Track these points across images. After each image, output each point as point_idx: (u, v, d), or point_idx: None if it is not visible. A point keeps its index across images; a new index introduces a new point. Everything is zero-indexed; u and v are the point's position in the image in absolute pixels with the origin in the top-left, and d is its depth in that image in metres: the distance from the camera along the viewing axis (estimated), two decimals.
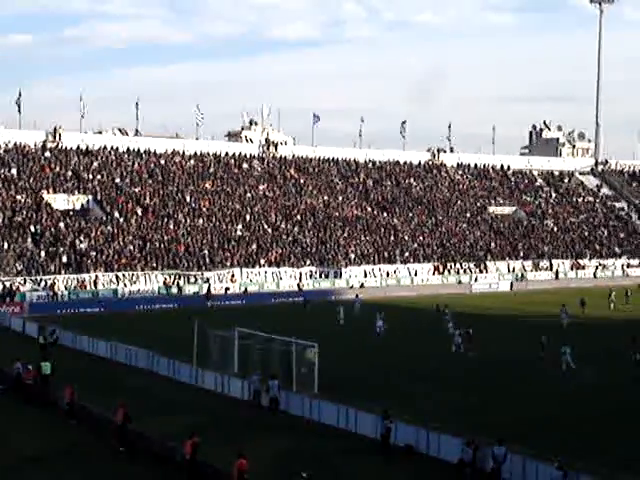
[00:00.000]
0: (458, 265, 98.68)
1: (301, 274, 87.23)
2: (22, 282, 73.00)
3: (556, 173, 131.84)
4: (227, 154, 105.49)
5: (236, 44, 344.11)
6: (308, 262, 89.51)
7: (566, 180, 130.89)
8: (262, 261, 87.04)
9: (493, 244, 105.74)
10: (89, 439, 32.87)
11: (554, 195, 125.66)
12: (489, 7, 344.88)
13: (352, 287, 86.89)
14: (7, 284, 71.70)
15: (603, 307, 74.48)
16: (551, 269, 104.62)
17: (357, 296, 74.50)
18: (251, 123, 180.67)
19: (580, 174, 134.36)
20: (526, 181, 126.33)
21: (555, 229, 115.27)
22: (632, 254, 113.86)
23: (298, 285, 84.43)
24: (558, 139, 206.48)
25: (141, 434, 31.57)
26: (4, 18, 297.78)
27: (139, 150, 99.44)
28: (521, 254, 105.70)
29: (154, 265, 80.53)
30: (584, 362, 47.38)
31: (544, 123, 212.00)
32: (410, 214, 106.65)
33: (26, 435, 33.11)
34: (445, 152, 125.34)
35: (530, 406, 39.36)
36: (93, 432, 33.54)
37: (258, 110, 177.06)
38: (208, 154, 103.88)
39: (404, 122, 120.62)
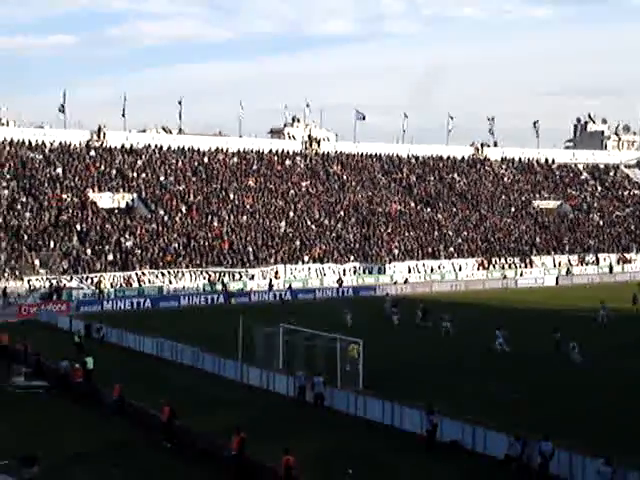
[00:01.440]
0: (503, 260, 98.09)
1: (344, 270, 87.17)
2: (68, 280, 73.69)
3: (601, 166, 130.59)
4: (270, 151, 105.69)
5: (276, 41, 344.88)
6: (352, 258, 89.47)
7: (612, 173, 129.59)
8: (305, 257, 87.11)
9: (538, 239, 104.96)
10: (136, 436, 33.05)
11: (599, 188, 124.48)
12: (529, 0, 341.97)
13: (396, 283, 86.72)
14: (54, 282, 72.40)
15: None
16: (597, 263, 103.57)
17: (387, 294, 74.23)
18: (293, 120, 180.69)
19: (626, 167, 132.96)
20: (571, 175, 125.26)
21: (601, 223, 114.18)
22: None
23: (338, 281, 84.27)
24: (603, 132, 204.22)
25: (187, 431, 31.72)
26: (46, 19, 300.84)
27: (183, 148, 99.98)
28: (567, 248, 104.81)
29: (198, 262, 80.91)
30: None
31: (589, 116, 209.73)
32: (454, 209, 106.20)
33: (73, 432, 33.36)
34: (489, 146, 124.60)
35: (576, 401, 39.00)
36: (139, 429, 33.73)
37: (300, 107, 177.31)
38: (251, 151, 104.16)
39: (452, 117, 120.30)
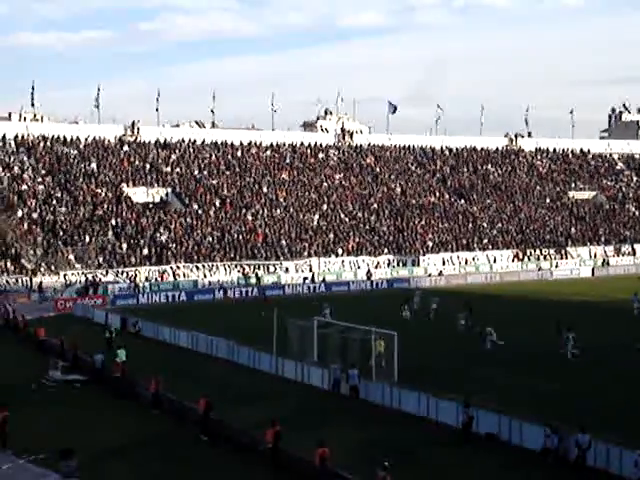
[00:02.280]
0: (538, 252, 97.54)
1: (377, 263, 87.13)
2: (104, 275, 74.19)
3: (637, 156, 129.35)
4: (303, 144, 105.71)
5: (308, 34, 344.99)
6: (385, 250, 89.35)
7: None
8: (339, 250, 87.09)
9: (573, 230, 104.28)
10: (172, 429, 33.21)
11: (635, 179, 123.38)
12: None
13: (430, 275, 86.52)
14: (89, 277, 72.93)
15: None
16: (634, 254, 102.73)
17: (417, 288, 74.08)
18: (326, 113, 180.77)
19: None
20: (606, 165, 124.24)
21: (637, 213, 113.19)
22: None
23: (367, 274, 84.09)
24: (638, 122, 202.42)
25: (223, 423, 31.82)
26: (78, 15, 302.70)
27: (216, 142, 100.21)
28: (602, 239, 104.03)
29: (232, 256, 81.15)
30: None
31: (623, 106, 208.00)
32: (488, 201, 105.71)
33: (110, 425, 33.56)
34: (523, 137, 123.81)
35: (611, 393, 38.73)
36: (176, 422, 33.89)
37: (333, 100, 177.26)
38: (284, 144, 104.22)
39: (482, 108, 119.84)
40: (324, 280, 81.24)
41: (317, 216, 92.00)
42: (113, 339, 48.43)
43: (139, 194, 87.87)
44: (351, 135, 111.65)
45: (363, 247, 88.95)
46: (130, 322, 55.81)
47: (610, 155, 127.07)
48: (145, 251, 78.64)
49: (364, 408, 36.41)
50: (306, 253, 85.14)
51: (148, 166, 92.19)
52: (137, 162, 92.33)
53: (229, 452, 30.18)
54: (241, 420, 32.45)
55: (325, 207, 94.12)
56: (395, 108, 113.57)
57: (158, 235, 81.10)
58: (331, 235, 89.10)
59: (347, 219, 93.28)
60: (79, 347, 44.49)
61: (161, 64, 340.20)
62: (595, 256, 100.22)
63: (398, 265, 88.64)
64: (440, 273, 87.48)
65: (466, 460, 29.70)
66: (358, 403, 37.15)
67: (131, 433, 32.57)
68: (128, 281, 74.15)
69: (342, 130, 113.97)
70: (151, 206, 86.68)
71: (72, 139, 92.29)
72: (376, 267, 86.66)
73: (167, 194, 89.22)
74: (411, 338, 45.07)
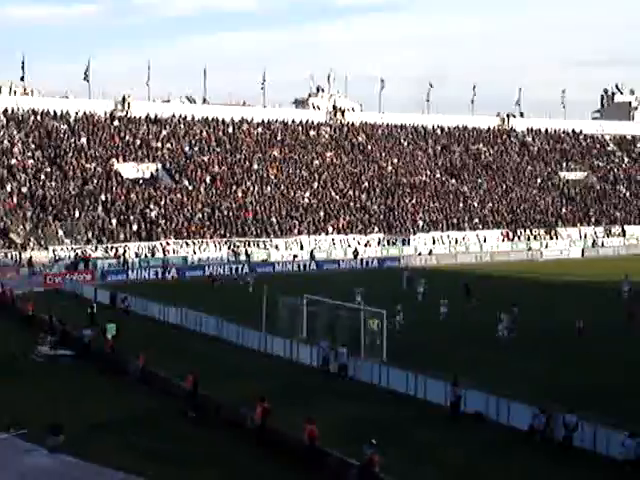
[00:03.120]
0: (528, 232, 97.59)
1: (367, 241, 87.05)
2: (93, 250, 73.97)
3: (629, 137, 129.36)
4: (294, 121, 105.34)
5: (299, 11, 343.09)
6: (376, 229, 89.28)
7: (639, 144, 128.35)
8: (330, 228, 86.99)
9: (564, 210, 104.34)
10: (160, 405, 33.16)
11: (626, 160, 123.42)
12: None
13: (420, 254, 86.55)
14: (78, 252, 72.71)
15: None
16: (624, 235, 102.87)
17: (406, 268, 73.96)
18: (318, 90, 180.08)
19: None
20: (598, 146, 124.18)
21: (627, 194, 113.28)
22: None
23: (354, 252, 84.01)
24: (630, 103, 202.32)
25: (211, 400, 31.79)
26: None
27: (207, 118, 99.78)
28: (593, 220, 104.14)
29: (222, 233, 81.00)
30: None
31: (616, 87, 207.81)
32: (479, 180, 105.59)
33: (98, 401, 33.49)
34: (515, 117, 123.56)
35: (599, 373, 38.83)
36: (164, 398, 33.84)
37: (324, 77, 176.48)
38: (275, 121, 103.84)
39: (474, 87, 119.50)
40: (313, 257, 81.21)
41: (308, 194, 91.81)
42: (95, 314, 48.20)
43: (129, 169, 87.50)
44: (342, 113, 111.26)
45: (353, 225, 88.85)
46: (119, 298, 55.63)
47: (602, 136, 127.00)
48: (135, 227, 78.42)
49: (353, 386, 36.44)
50: (296, 231, 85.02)
51: (138, 141, 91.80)
52: (127, 137, 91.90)
53: (217, 428, 30.15)
54: (229, 397, 32.40)
55: (316, 185, 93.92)
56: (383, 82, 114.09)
57: (148, 211, 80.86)
58: (321, 213, 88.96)
59: (338, 197, 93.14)
60: (67, 322, 44.38)
61: (153, 39, 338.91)
62: (585, 237, 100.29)
63: (388, 244, 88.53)
64: (430, 252, 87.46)
65: (454, 438, 29.76)
66: (347, 381, 37.16)
67: (119, 409, 32.50)
68: (117, 257, 73.81)
69: (334, 107, 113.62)
70: (141, 182, 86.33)
71: (62, 113, 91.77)
72: (366, 246, 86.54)
73: (157, 170, 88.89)
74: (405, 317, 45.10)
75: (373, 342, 39.80)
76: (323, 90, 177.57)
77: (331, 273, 76.15)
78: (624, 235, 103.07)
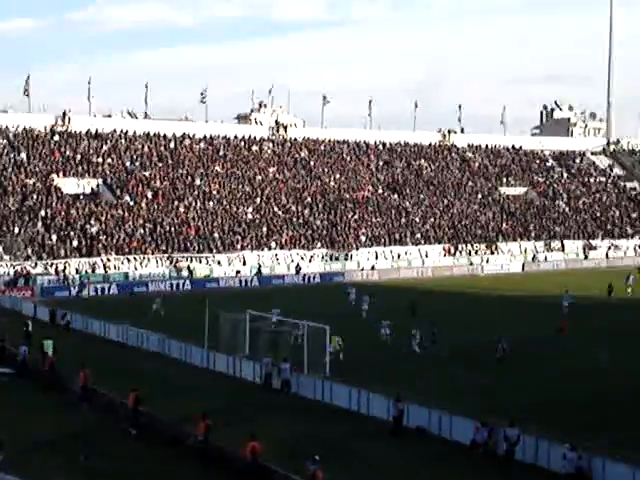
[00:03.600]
0: (469, 247, 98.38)
1: (311, 257, 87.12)
2: (32, 266, 73.07)
3: (568, 153, 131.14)
4: (237, 137, 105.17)
5: (242, 26, 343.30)
6: (319, 244, 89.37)
7: (578, 160, 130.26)
8: (273, 244, 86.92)
9: (504, 225, 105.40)
10: (101, 423, 32.86)
11: (566, 175, 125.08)
12: None
13: (363, 269, 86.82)
14: (18, 268, 71.77)
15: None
16: (563, 250, 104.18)
17: (352, 285, 73.63)
18: (260, 105, 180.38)
19: (592, 154, 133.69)
20: (538, 161, 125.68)
21: (567, 210, 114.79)
22: None
23: (297, 268, 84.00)
24: (569, 119, 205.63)
25: (154, 417, 31.57)
26: (9, 3, 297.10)
27: (149, 133, 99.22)
28: (533, 235, 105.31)
29: (164, 248, 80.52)
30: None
31: (555, 103, 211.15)
32: (421, 195, 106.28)
33: (39, 419, 33.10)
34: (456, 133, 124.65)
35: (540, 387, 39.25)
36: (105, 416, 33.53)
37: (266, 92, 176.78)
38: (218, 137, 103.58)
39: (416, 104, 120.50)
40: (259, 272, 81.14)
41: (250, 209, 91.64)
42: (30, 331, 47.56)
43: (69, 185, 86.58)
44: (285, 128, 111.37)
45: (296, 241, 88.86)
46: (59, 315, 55.00)
47: (541, 152, 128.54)
48: (75, 243, 77.59)
49: (295, 402, 36.40)
50: (239, 246, 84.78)
51: (79, 156, 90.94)
52: (68, 152, 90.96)
53: (159, 445, 29.93)
54: (171, 414, 32.21)
55: (258, 200, 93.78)
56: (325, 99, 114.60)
57: (88, 227, 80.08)
58: (264, 228, 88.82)
59: (280, 212, 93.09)
60: (5, 339, 43.78)
61: (94, 54, 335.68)
62: (525, 251, 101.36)
63: (331, 259, 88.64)
64: (373, 267, 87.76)
65: (396, 453, 29.85)
66: (290, 397, 37.12)
67: (60, 427, 32.15)
68: (58, 273, 73.03)
69: (276, 123, 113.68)
70: (82, 197, 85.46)
71: (1, 128, 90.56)
72: (310, 261, 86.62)
73: (98, 185, 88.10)
74: (344, 333, 45.08)
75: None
76: (265, 106, 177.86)
77: (274, 289, 76.05)
78: (563, 250, 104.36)
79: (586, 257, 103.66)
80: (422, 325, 48.09)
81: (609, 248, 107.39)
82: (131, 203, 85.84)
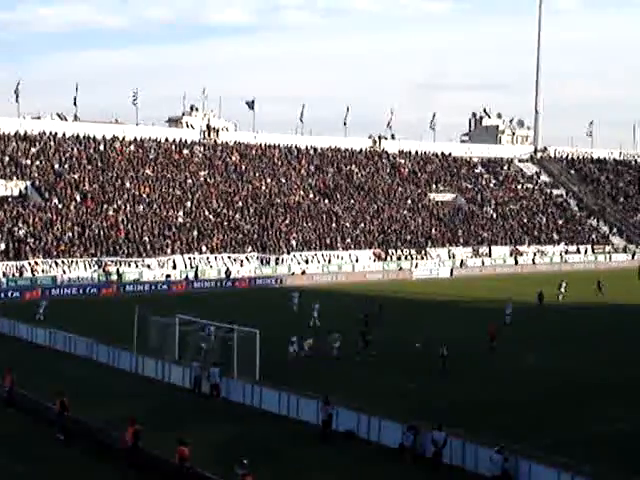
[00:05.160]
0: (399, 252, 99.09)
1: (241, 261, 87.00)
2: None
3: (496, 160, 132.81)
4: (167, 140, 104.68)
5: (172, 29, 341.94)
6: (250, 249, 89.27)
7: (505, 167, 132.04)
8: (203, 248, 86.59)
9: (434, 230, 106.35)
10: (27, 427, 32.49)
11: (493, 182, 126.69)
12: None
13: (293, 274, 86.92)
14: None
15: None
16: (490, 255, 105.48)
17: (296, 290, 73.49)
18: (192, 109, 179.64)
19: (519, 161, 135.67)
20: (466, 168, 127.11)
21: (494, 216, 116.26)
22: (570, 241, 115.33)
23: (226, 272, 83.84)
24: (498, 127, 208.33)
25: (81, 422, 31.28)
26: None
27: (78, 136, 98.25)
28: (461, 240, 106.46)
29: (93, 252, 79.74)
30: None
31: (484, 111, 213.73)
32: (352, 201, 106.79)
33: None
34: (386, 139, 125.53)
35: (469, 390, 39.73)
36: (32, 420, 33.16)
37: (198, 96, 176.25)
38: (149, 139, 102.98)
39: (347, 109, 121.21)
40: (187, 278, 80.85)
41: (181, 213, 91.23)
42: None
43: None
44: (217, 132, 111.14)
45: (227, 245, 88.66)
46: None
47: (470, 158, 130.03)
48: (2, 246, 76.50)
49: (225, 407, 36.39)
50: (169, 250, 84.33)
51: (7, 158, 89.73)
52: None
53: (86, 451, 29.70)
54: (99, 419, 31.96)
55: (189, 204, 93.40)
56: (252, 103, 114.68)
57: (16, 229, 79.02)
58: (195, 232, 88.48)
59: (211, 216, 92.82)
60: None
61: (22, 55, 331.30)
62: (454, 257, 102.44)
63: (262, 263, 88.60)
64: (303, 272, 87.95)
65: (325, 457, 30.00)
66: (219, 402, 37.08)
67: None
68: None
69: (207, 127, 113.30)
70: (10, 199, 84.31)
71: None
72: (241, 265, 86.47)
73: (26, 187, 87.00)
74: (275, 335, 45.18)
75: (251, 360, 39.75)
76: (197, 109, 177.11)
77: (203, 293, 75.82)
78: (491, 255, 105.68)
79: (516, 262, 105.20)
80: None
81: (535, 254, 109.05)
82: (59, 206, 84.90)
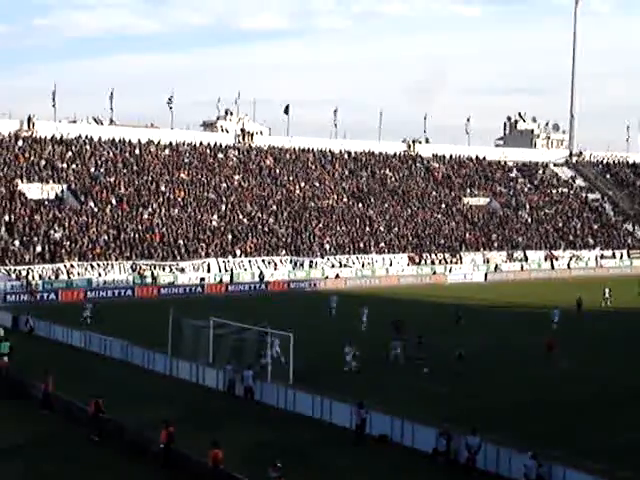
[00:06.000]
0: (433, 256, 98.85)
1: (275, 265, 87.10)
2: None
3: (531, 164, 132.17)
4: (202, 144, 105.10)
5: (206, 34, 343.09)
6: (283, 252, 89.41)
7: (540, 171, 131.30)
8: (237, 251, 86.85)
9: (468, 235, 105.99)
10: (63, 429, 32.72)
11: (528, 186, 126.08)
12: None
13: (327, 277, 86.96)
14: None
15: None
16: (525, 260, 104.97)
17: (334, 294, 73.25)
18: (226, 113, 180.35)
19: (554, 165, 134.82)
20: (501, 172, 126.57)
21: (529, 220, 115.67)
22: (605, 245, 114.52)
23: (260, 276, 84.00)
24: (533, 130, 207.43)
25: (116, 424, 31.48)
26: None
27: (114, 139, 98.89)
28: (495, 245, 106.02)
29: (128, 255, 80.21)
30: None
31: (519, 115, 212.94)
32: (385, 205, 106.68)
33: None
34: (420, 143, 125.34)
35: (504, 395, 39.56)
36: (67, 422, 33.40)
37: (233, 100, 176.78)
38: (183, 144, 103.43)
39: (380, 114, 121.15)
40: (221, 281, 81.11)
41: (215, 216, 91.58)
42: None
43: (33, 190, 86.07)
44: (251, 136, 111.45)
45: (261, 248, 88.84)
46: (22, 320, 54.70)
47: (505, 163, 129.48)
48: (39, 249, 77.13)
49: (258, 409, 36.45)
50: (203, 253, 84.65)
51: (43, 162, 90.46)
52: (32, 158, 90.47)
53: (121, 452, 29.87)
54: (134, 421, 32.13)
55: (223, 208, 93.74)
56: (287, 109, 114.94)
57: (52, 232, 79.65)
58: (229, 236, 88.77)
59: (245, 220, 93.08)
60: None
61: (60, 60, 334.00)
62: (488, 261, 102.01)
63: (295, 267, 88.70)
64: (337, 276, 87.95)
65: (358, 461, 29.98)
66: (253, 404, 37.17)
67: (22, 434, 31.95)
68: (21, 279, 72.51)
69: (242, 131, 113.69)
70: (46, 203, 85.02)
71: None
72: (275, 269, 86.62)
73: (62, 191, 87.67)
74: (313, 340, 45.26)
75: (286, 363, 39.76)
76: (232, 113, 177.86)
77: (237, 296, 75.96)
78: (526, 260, 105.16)
79: (552, 267, 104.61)
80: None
81: (571, 259, 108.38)
82: (95, 209, 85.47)
